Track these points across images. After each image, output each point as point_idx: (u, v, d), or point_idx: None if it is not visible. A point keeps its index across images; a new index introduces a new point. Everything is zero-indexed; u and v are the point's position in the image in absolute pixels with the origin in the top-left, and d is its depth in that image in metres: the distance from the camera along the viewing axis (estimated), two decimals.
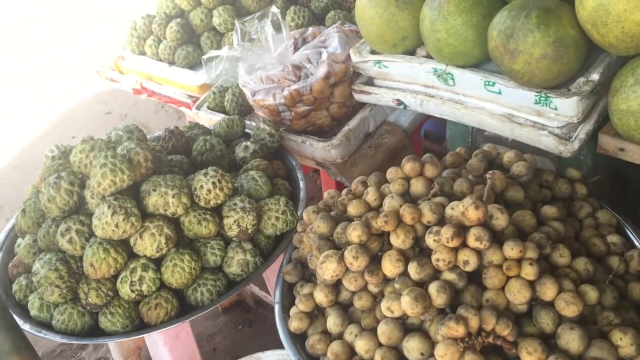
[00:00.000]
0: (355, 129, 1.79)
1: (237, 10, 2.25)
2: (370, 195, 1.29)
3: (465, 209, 1.11)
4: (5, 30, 5.33)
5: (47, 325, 1.44)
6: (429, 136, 2.51)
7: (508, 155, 1.38)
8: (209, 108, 2.11)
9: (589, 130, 1.37)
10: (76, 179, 1.45)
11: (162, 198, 1.40)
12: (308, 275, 1.37)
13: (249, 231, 1.45)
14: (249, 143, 1.71)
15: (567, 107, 1.34)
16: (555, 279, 1.09)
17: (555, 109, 1.36)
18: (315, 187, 2.77)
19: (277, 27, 1.85)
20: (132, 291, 1.38)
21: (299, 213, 1.55)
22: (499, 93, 1.45)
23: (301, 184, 1.66)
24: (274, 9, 1.82)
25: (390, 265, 1.15)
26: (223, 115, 2.03)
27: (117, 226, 1.34)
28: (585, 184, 1.38)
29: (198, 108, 2.13)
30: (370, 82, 1.76)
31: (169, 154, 1.70)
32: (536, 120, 1.42)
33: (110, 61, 2.52)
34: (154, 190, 1.40)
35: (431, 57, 1.59)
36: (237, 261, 1.45)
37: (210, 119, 2.07)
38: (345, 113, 1.85)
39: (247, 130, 1.89)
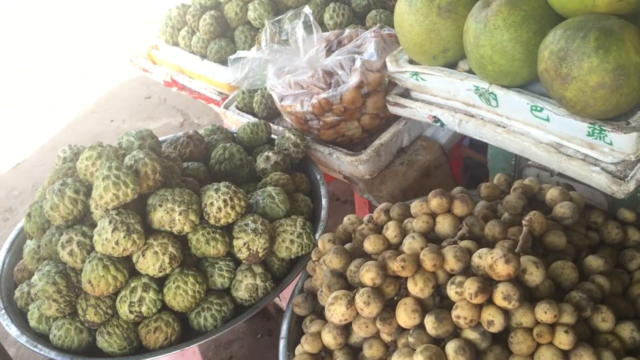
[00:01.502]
0: (387, 144, 1.65)
1: (274, 4, 2.12)
2: (391, 231, 1.15)
3: (494, 262, 0.96)
4: (5, 31, 5.32)
5: (45, 337, 1.38)
6: (474, 144, 2.34)
7: (552, 193, 1.22)
8: (237, 108, 2.01)
9: None
10: (82, 186, 1.37)
11: (168, 215, 1.30)
12: (319, 310, 1.26)
13: (260, 255, 1.34)
14: (271, 154, 1.60)
15: (624, 143, 1.17)
16: (594, 351, 0.94)
17: (610, 143, 1.19)
18: (349, 190, 2.65)
19: (309, 28, 1.72)
20: (131, 312, 1.29)
21: (317, 235, 1.44)
22: (547, 120, 1.28)
23: (323, 201, 1.53)
24: (307, 9, 1.68)
25: (405, 316, 1.03)
26: (250, 118, 1.93)
27: (117, 243, 1.25)
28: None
29: (226, 107, 2.03)
30: (406, 93, 1.62)
31: (186, 160, 1.61)
32: (587, 153, 1.25)
33: (144, 50, 2.44)
34: (160, 206, 1.30)
35: (473, 73, 1.44)
36: (245, 285, 1.34)
37: (237, 120, 1.96)
38: (378, 125, 1.71)
39: (273, 135, 1.77)
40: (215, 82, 2.17)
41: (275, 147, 1.68)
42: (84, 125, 3.75)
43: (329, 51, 1.74)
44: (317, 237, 1.43)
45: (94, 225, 1.36)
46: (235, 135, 1.76)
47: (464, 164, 2.15)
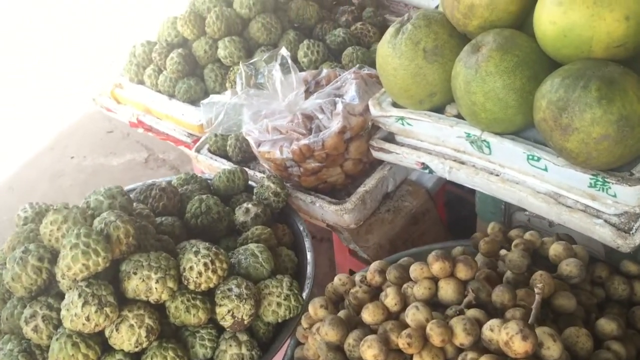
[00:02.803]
0: (372, 191, 1.57)
1: (245, 41, 2.04)
2: (390, 299, 1.07)
3: (510, 339, 0.89)
4: (5, 30, 5.19)
5: None
6: None
7: (556, 249, 1.16)
8: (209, 151, 1.90)
9: None
10: (46, 252, 1.25)
11: (144, 283, 1.19)
12: None
13: (246, 322, 1.24)
14: (250, 205, 1.50)
15: (629, 196, 1.12)
16: None
17: (614, 195, 1.14)
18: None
19: (287, 68, 1.64)
20: None
21: (304, 294, 1.34)
22: (545, 169, 1.23)
23: (309, 256, 1.44)
24: (284, 51, 1.60)
25: None
26: (224, 163, 1.83)
27: (88, 319, 1.13)
28: None
29: (198, 151, 1.92)
30: (390, 137, 1.54)
31: (159, 215, 1.50)
32: (588, 204, 1.20)
33: (107, 88, 2.32)
34: (135, 274, 1.19)
35: (463, 118, 1.38)
36: (230, 356, 1.24)
37: (210, 165, 1.86)
38: (361, 170, 1.63)
39: (250, 182, 1.68)
40: (184, 123, 2.07)
41: (254, 197, 1.58)
42: (43, 162, 3.57)
43: (307, 92, 1.66)
44: (304, 296, 1.34)
45: (60, 295, 1.24)
46: (209, 182, 1.66)
47: (446, 198, 2.09)
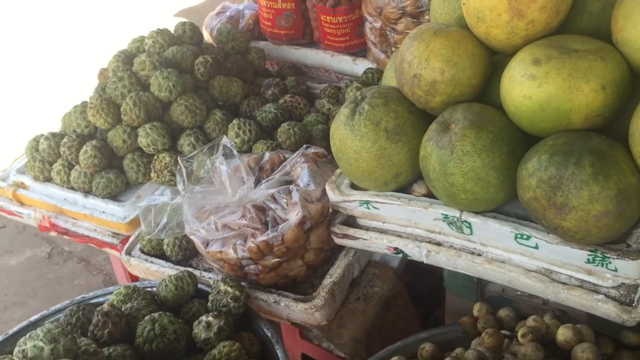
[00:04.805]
0: (339, 281, 1.45)
1: (167, 126, 1.87)
2: None
3: None
4: (5, 30, 4.93)
5: None
6: None
7: (565, 335, 1.09)
8: (142, 252, 1.70)
9: None
10: None
11: None
12: None
13: None
14: (211, 318, 1.33)
15: (631, 270, 1.08)
16: None
17: (615, 270, 1.09)
18: None
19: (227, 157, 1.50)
20: None
21: None
22: (535, 247, 1.17)
23: None
24: (226, 140, 1.46)
25: None
26: (163, 265, 1.64)
27: None
28: None
29: (128, 253, 1.71)
30: (352, 221, 1.44)
31: (105, 344, 1.29)
32: (584, 279, 1.15)
33: (7, 190, 2.04)
34: None
35: (433, 197, 1.30)
36: None
37: (146, 269, 1.66)
38: (323, 258, 1.51)
39: (199, 285, 1.50)
40: (107, 222, 1.84)
41: (210, 305, 1.41)
42: None
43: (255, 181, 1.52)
44: None
45: None
46: (155, 294, 1.46)
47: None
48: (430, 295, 1.77)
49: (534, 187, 1.08)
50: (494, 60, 1.28)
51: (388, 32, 1.96)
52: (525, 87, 1.11)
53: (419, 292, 1.77)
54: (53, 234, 2.00)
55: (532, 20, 1.15)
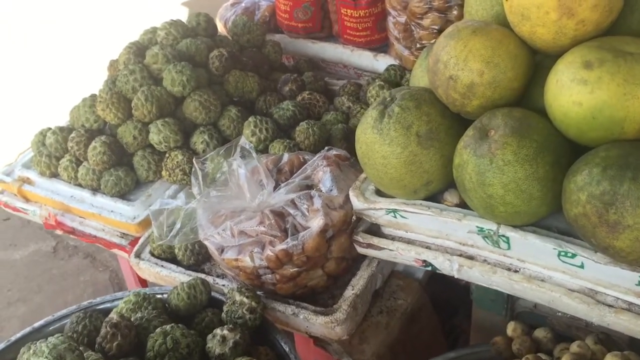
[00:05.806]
0: (362, 294, 1.36)
1: (180, 122, 1.78)
2: None
3: None
4: (14, 22, 4.90)
5: None
6: None
7: None
8: (152, 255, 1.62)
9: None
10: None
11: None
12: None
13: None
14: (226, 332, 1.24)
15: None
16: None
17: None
18: None
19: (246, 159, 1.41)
20: None
21: None
22: (581, 267, 1.08)
23: None
24: (244, 141, 1.38)
25: None
26: (173, 268, 1.56)
27: None
28: None
29: (138, 255, 1.63)
30: (376, 229, 1.35)
31: (113, 358, 1.21)
32: (632, 302, 1.06)
33: (12, 186, 1.96)
34: None
35: (465, 206, 1.21)
36: None
37: (156, 273, 1.58)
38: (345, 268, 1.42)
39: (213, 293, 1.42)
40: (115, 222, 1.76)
41: (225, 316, 1.32)
42: None
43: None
44: None
45: None
46: (167, 302, 1.38)
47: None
48: (455, 308, 1.69)
49: (584, 202, 0.99)
50: (536, 61, 1.19)
51: (413, 28, 1.86)
52: (575, 93, 1.02)
53: (442, 302, 1.68)
54: (59, 232, 1.92)
55: (582, 19, 1.06)
